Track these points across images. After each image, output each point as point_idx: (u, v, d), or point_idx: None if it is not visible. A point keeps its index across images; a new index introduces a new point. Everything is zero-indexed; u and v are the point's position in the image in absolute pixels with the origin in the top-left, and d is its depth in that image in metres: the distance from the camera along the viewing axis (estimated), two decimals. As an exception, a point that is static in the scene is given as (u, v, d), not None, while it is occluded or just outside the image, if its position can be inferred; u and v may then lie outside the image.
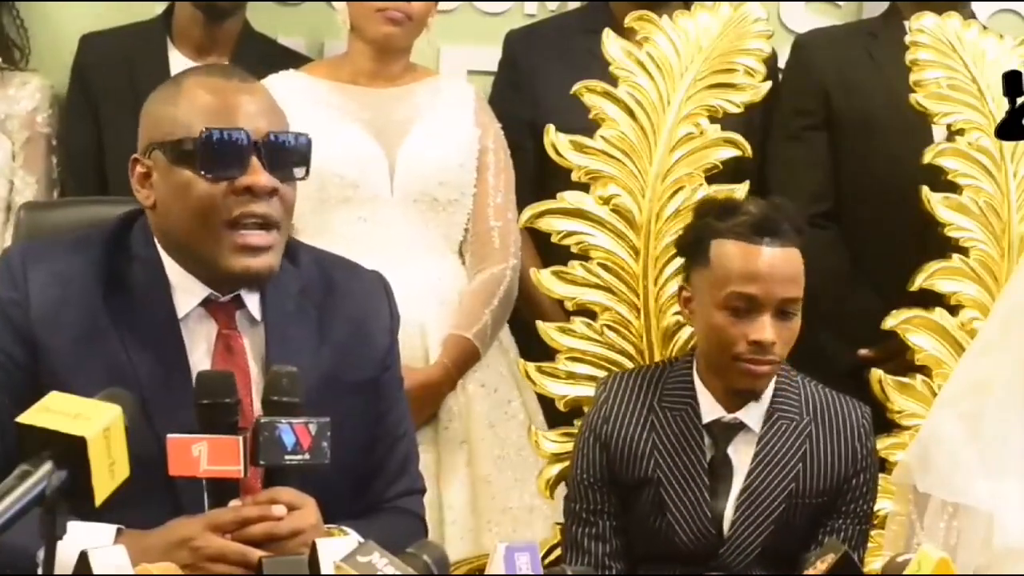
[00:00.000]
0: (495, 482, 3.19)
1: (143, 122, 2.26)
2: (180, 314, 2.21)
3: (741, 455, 2.62)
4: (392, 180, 3.20)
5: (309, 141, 2.24)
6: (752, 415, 2.62)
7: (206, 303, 2.22)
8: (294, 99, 3.13)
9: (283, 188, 2.19)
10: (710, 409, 2.62)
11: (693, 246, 2.64)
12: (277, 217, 2.19)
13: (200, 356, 2.20)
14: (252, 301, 2.25)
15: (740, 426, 2.62)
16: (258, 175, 2.16)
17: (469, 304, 3.21)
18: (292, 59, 3.56)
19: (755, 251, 2.55)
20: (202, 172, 2.15)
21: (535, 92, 3.42)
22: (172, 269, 2.22)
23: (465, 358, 3.18)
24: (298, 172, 2.22)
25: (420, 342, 3.15)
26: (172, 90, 2.24)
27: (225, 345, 2.22)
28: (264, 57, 3.48)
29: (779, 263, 2.55)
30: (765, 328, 2.54)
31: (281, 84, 3.20)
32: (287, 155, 2.20)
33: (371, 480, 2.33)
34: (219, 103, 2.19)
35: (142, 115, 2.27)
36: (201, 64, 2.26)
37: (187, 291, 2.22)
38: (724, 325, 2.55)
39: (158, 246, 2.23)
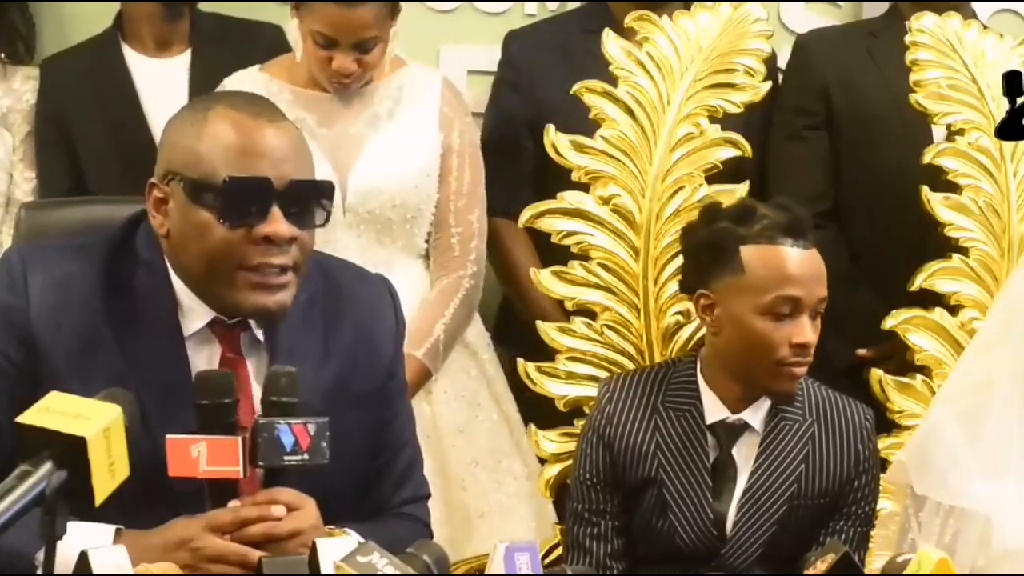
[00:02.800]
0: (470, 488, 3.18)
1: (164, 145, 2.22)
2: (186, 333, 2.20)
3: (744, 456, 2.62)
4: (344, 203, 3.14)
5: (332, 187, 2.23)
6: (755, 416, 2.62)
7: (211, 325, 2.21)
8: None
9: (301, 235, 2.17)
10: (714, 410, 2.62)
11: (715, 253, 2.60)
12: (295, 262, 2.16)
13: None
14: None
15: (744, 427, 2.62)
16: (278, 224, 2.13)
17: (421, 319, 3.16)
18: (252, 32, 3.55)
19: (791, 254, 2.55)
20: (222, 220, 2.13)
21: (535, 92, 3.42)
22: (179, 288, 2.20)
23: (415, 379, 3.10)
24: (318, 219, 2.20)
25: None
26: (198, 120, 2.18)
27: (228, 368, 2.20)
28: (223, 38, 3.47)
29: (811, 263, 2.57)
30: (806, 330, 2.55)
31: (241, 85, 3.14)
32: (308, 203, 2.18)
33: (376, 486, 2.33)
34: (244, 143, 2.14)
35: (163, 137, 2.23)
36: (231, 94, 2.20)
37: (194, 312, 2.20)
38: (767, 331, 2.54)
39: (166, 259, 2.21)
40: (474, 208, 3.24)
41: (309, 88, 3.20)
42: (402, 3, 3.19)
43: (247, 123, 2.16)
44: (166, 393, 2.13)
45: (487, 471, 3.20)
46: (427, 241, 3.25)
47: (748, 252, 2.57)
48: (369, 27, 3.09)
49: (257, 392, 2.18)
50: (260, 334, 2.23)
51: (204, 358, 2.20)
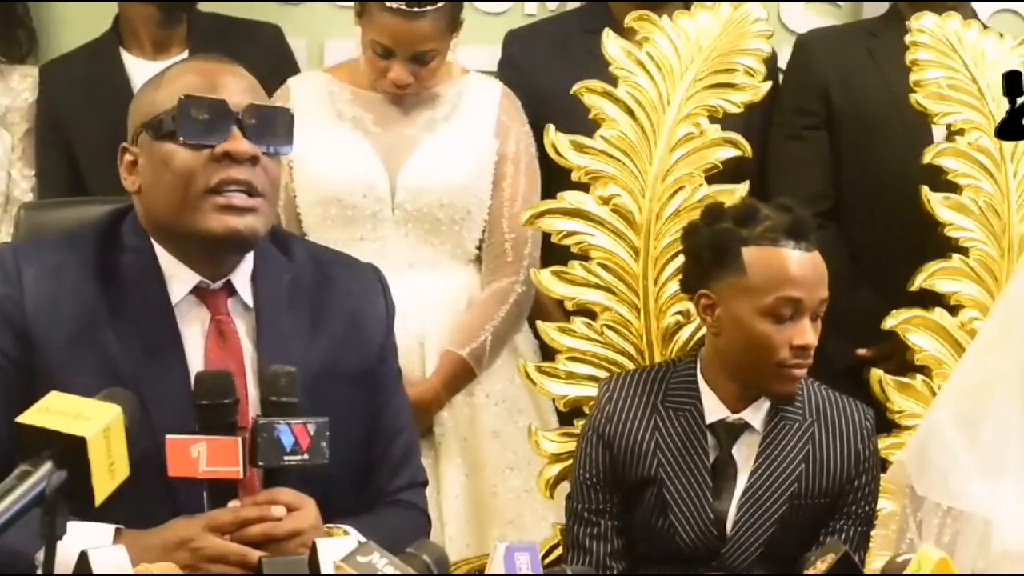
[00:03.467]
0: (501, 494, 3.18)
1: (131, 114, 2.28)
2: (173, 301, 2.22)
3: (744, 456, 2.62)
4: (393, 199, 3.18)
5: (291, 116, 2.25)
6: (756, 415, 2.62)
7: (197, 291, 2.23)
8: (311, 102, 3.14)
9: (265, 159, 2.20)
10: (714, 409, 2.62)
11: (717, 254, 2.60)
12: (260, 185, 2.19)
13: (194, 343, 2.21)
14: (244, 288, 2.26)
15: (744, 427, 2.62)
16: (238, 142, 2.17)
17: (470, 320, 3.20)
18: (250, 32, 3.56)
19: (793, 255, 2.55)
20: (181, 139, 2.17)
21: (535, 92, 3.42)
22: (163, 257, 2.23)
23: (458, 377, 3.16)
24: (282, 148, 2.24)
25: (418, 358, 3.13)
26: (157, 79, 2.28)
27: (218, 331, 2.22)
28: (221, 39, 3.48)
29: (813, 266, 2.57)
30: (807, 332, 2.54)
31: (303, 86, 3.21)
32: (269, 126, 2.22)
33: (372, 474, 2.34)
34: (201, 80, 2.22)
35: (130, 109, 2.30)
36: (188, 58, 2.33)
37: (178, 279, 2.23)
38: (768, 332, 2.54)
39: (149, 236, 2.24)
40: None
41: (370, 91, 3.24)
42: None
43: (204, 66, 2.26)
44: (159, 367, 2.15)
45: (521, 477, 3.20)
46: (479, 248, 3.26)
47: (750, 253, 2.57)
48: (428, 40, 3.13)
49: (248, 351, 2.22)
50: (248, 299, 2.25)
51: (194, 324, 2.23)
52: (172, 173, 2.18)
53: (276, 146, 2.23)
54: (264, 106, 2.23)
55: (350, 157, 3.16)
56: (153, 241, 2.24)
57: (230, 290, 2.25)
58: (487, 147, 3.24)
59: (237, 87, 2.22)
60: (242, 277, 2.26)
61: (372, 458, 2.34)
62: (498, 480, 3.19)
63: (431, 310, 3.16)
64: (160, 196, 2.20)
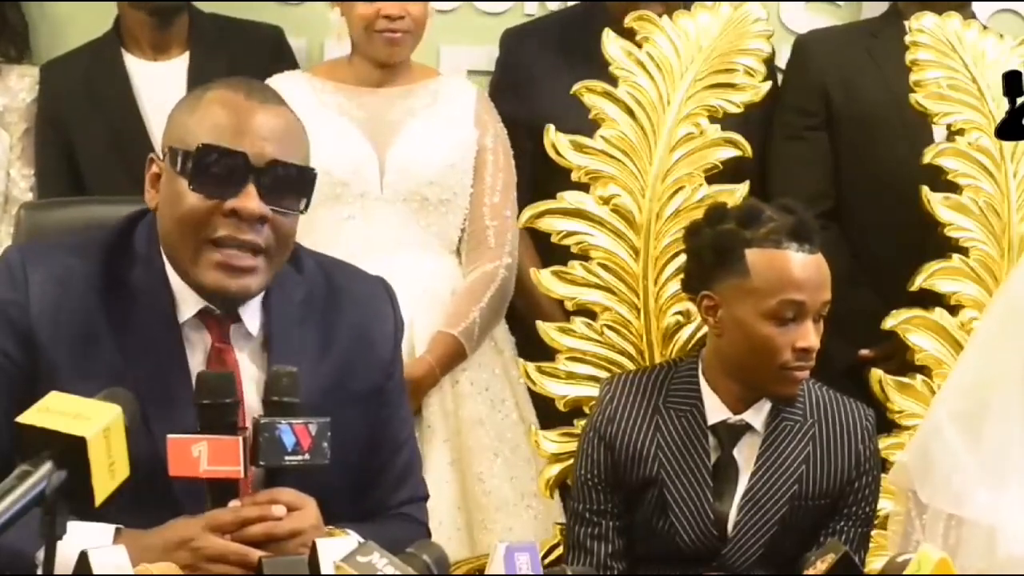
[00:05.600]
0: (488, 480, 3.19)
1: (166, 125, 2.25)
2: (179, 320, 2.21)
3: (745, 456, 2.62)
4: (382, 178, 3.20)
5: (314, 175, 2.21)
6: (757, 417, 2.62)
7: (202, 315, 2.21)
8: (293, 97, 3.14)
9: (278, 218, 2.16)
10: (715, 411, 2.62)
11: (720, 255, 2.60)
12: (265, 243, 2.16)
13: (195, 366, 2.19)
14: (251, 315, 2.23)
15: (745, 427, 2.62)
16: (248, 200, 2.13)
17: (458, 302, 3.21)
18: (251, 32, 3.56)
19: (796, 258, 2.55)
20: (191, 186, 2.14)
21: (531, 93, 3.42)
22: (172, 275, 2.21)
23: (450, 356, 3.18)
24: (298, 204, 2.20)
25: (407, 339, 3.14)
26: (196, 98, 2.22)
27: (218, 358, 2.21)
28: (222, 39, 3.48)
29: (816, 268, 2.57)
30: (810, 335, 2.54)
31: (282, 84, 3.21)
32: (287, 185, 2.17)
33: (373, 487, 2.33)
34: (230, 120, 2.16)
35: (168, 115, 2.26)
36: (234, 79, 2.24)
37: (185, 299, 2.21)
38: (771, 335, 2.54)
39: (161, 249, 2.23)
40: (508, 206, 3.27)
41: (352, 85, 3.28)
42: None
43: (239, 102, 2.18)
44: (163, 386, 2.14)
45: (507, 466, 3.21)
46: (460, 239, 3.29)
47: (753, 255, 2.56)
48: None
49: (248, 384, 2.20)
50: (253, 328, 2.24)
51: (197, 346, 2.21)
52: (181, 214, 2.15)
53: (291, 204, 2.18)
54: (287, 163, 2.17)
55: (338, 137, 3.19)
56: (164, 257, 2.22)
57: (234, 316, 2.23)
58: (468, 135, 3.28)
59: (267, 132, 2.16)
60: (251, 303, 2.24)
61: (374, 468, 2.33)
62: (484, 467, 3.20)
63: (420, 292, 3.17)
64: (168, 228, 2.19)
